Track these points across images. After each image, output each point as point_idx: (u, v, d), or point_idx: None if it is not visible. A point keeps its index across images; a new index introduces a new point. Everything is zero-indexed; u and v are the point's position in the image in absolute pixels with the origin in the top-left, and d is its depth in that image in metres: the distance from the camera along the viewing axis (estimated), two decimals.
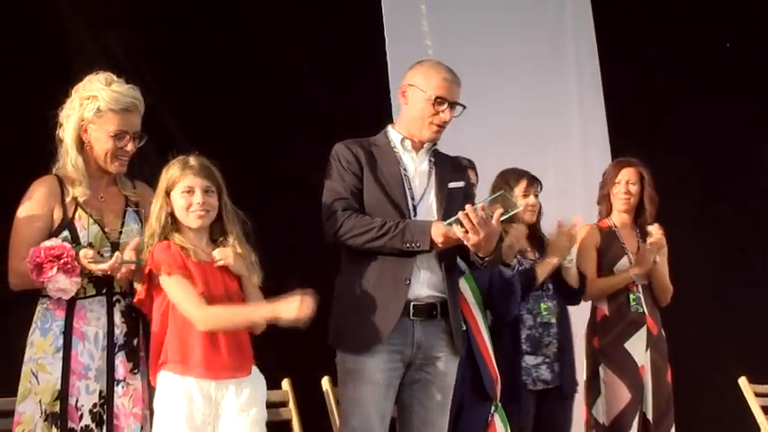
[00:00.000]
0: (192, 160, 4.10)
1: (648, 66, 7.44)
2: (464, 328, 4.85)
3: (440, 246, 4.25)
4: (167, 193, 4.07)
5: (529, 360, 5.36)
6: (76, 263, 3.85)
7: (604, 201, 6.03)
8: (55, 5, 5.74)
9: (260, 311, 3.97)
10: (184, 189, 4.05)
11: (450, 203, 4.37)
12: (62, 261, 3.82)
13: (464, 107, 4.43)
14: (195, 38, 6.12)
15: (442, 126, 4.45)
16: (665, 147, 7.03)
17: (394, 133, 4.52)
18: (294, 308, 3.86)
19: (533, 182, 5.52)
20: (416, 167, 4.48)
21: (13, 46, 5.51)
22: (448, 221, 4.23)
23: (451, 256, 4.40)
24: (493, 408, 4.96)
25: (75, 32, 5.82)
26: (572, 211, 5.67)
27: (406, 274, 4.30)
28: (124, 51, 5.89)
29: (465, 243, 4.21)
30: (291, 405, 5.19)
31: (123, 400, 3.97)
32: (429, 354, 4.36)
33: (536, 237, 5.56)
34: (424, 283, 4.35)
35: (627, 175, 5.96)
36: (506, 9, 7.22)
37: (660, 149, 6.66)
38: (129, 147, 4.07)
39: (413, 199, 4.41)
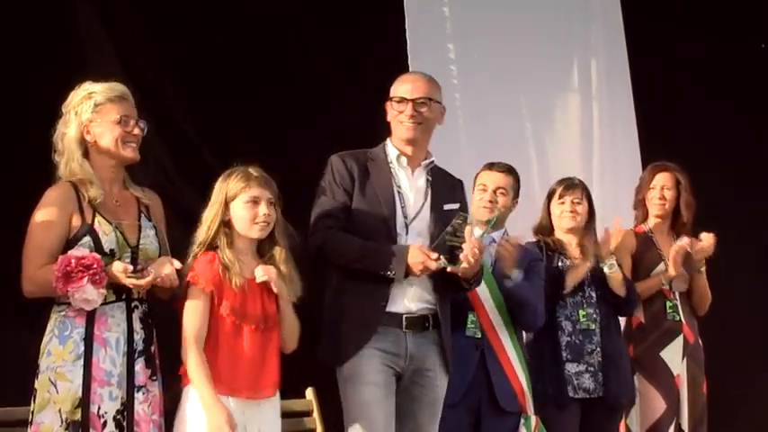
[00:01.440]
0: (256, 171, 4.14)
1: (679, 67, 7.36)
2: (478, 336, 4.93)
3: (417, 273, 4.26)
4: (227, 203, 4.06)
5: (570, 368, 5.27)
6: (104, 274, 3.84)
7: (640, 206, 5.96)
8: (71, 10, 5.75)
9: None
10: (249, 199, 4.08)
11: (444, 225, 4.35)
12: (91, 272, 3.82)
13: (438, 103, 4.46)
14: (217, 41, 6.14)
15: (412, 122, 4.43)
16: (695, 149, 6.89)
17: (391, 148, 4.53)
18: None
19: (570, 188, 5.45)
20: (412, 184, 4.47)
21: (23, 50, 5.53)
22: (441, 261, 4.23)
23: (440, 281, 4.40)
24: (522, 420, 4.93)
25: (90, 36, 5.84)
26: (599, 216, 5.58)
27: (383, 298, 4.32)
28: (138, 54, 5.92)
29: (449, 271, 4.25)
30: (316, 414, 5.18)
31: (144, 407, 3.96)
32: (421, 366, 4.38)
33: (582, 246, 5.44)
34: (415, 298, 4.37)
35: (662, 180, 5.88)
36: (531, 10, 7.15)
37: (690, 152, 6.50)
38: (136, 130, 4.08)
39: (406, 217, 4.40)
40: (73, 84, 4.16)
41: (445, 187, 4.53)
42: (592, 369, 5.29)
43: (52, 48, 5.57)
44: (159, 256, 4.05)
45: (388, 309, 4.30)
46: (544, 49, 7.07)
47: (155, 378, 4.03)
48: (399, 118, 4.45)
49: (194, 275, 3.98)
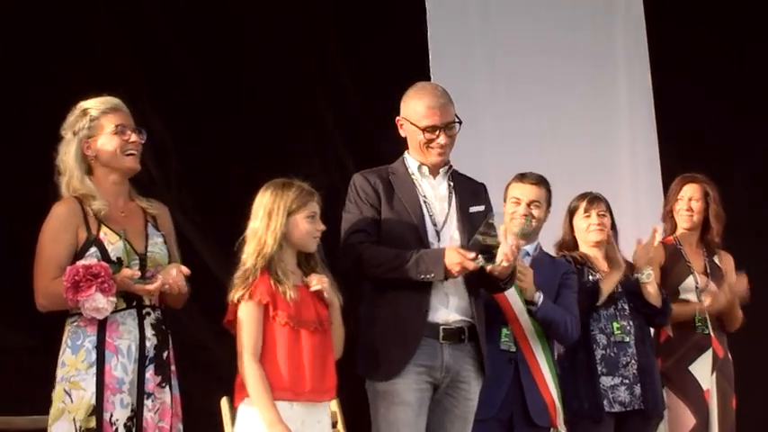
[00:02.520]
0: (306, 185, 4.15)
1: (703, 81, 7.30)
2: (513, 350, 4.89)
3: (455, 274, 4.26)
4: (289, 215, 4.09)
5: (605, 381, 5.22)
6: (113, 282, 3.84)
7: (668, 217, 5.90)
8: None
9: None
10: (310, 214, 4.11)
11: (473, 228, 4.37)
12: (99, 280, 3.81)
13: (460, 122, 4.45)
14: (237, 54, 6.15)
15: (443, 149, 4.45)
16: (714, 160, 6.80)
17: (411, 160, 4.52)
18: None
19: (594, 201, 5.42)
20: (436, 193, 4.48)
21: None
22: (478, 259, 4.22)
23: (476, 281, 4.41)
24: None
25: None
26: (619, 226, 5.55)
27: (425, 305, 4.31)
28: (153, 67, 5.94)
29: (485, 270, 4.26)
30: (340, 426, 5.12)
31: (151, 414, 3.96)
32: (456, 378, 4.38)
33: (610, 256, 5.39)
34: (453, 308, 4.36)
35: (690, 191, 5.82)
36: (555, 21, 7.15)
37: (710, 162, 6.43)
38: (134, 138, 4.09)
39: (435, 225, 4.41)
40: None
41: (468, 190, 4.53)
42: (627, 382, 5.23)
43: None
44: (168, 263, 4.06)
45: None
46: (566, 60, 7.07)
47: (164, 385, 4.02)
48: (431, 145, 4.43)
49: (252, 291, 3.99)
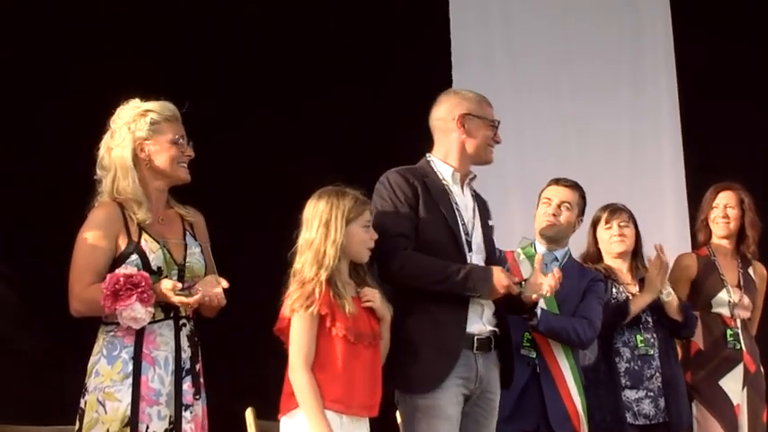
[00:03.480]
0: (359, 193, 4.07)
1: (730, 87, 7.23)
2: (533, 356, 4.90)
3: (498, 295, 4.26)
4: (346, 224, 4.01)
5: (629, 394, 5.22)
6: (152, 292, 3.81)
7: (703, 227, 5.84)
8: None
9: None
10: (365, 223, 4.04)
11: (490, 242, 4.46)
12: (140, 290, 3.79)
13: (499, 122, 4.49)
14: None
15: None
16: (742, 167, 6.71)
17: (441, 165, 4.43)
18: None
19: (615, 212, 5.42)
20: (462, 201, 4.45)
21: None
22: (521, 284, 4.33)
23: (502, 302, 4.43)
24: None
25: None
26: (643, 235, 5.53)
27: (463, 315, 4.27)
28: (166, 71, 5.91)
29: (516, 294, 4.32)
30: None
31: (191, 426, 3.94)
32: (486, 387, 4.35)
33: (633, 267, 5.42)
34: (486, 319, 4.35)
35: (725, 198, 5.75)
36: (578, 24, 7.14)
37: (736, 170, 6.34)
38: (189, 151, 4.07)
39: (467, 234, 4.38)
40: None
41: (482, 203, 4.54)
42: (651, 395, 5.22)
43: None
44: (205, 274, 4.01)
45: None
46: (590, 66, 7.06)
47: (198, 396, 3.99)
48: (492, 142, 4.45)
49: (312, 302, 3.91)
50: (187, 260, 3.99)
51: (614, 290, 5.31)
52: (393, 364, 4.22)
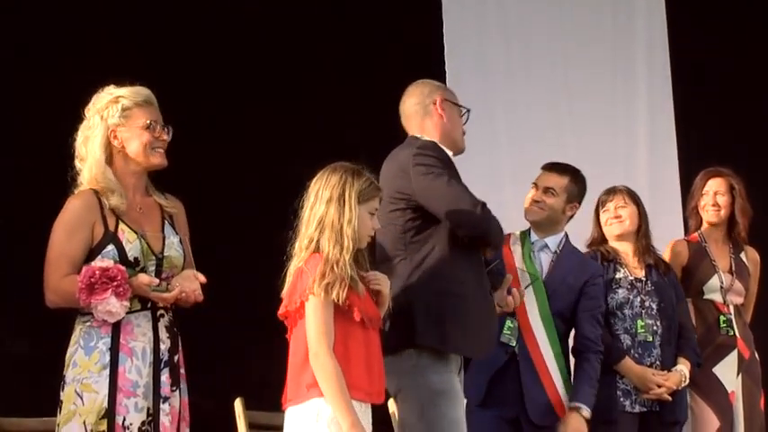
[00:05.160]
0: (374, 178, 3.93)
1: (724, 75, 7.23)
2: (512, 344, 4.85)
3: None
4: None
5: (626, 381, 5.18)
6: (128, 286, 3.78)
7: (693, 214, 5.78)
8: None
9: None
10: (372, 210, 3.87)
11: None
12: (115, 284, 3.75)
13: (468, 111, 4.48)
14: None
15: None
16: (737, 159, 6.67)
17: (446, 151, 4.38)
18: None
19: (610, 193, 5.39)
20: None
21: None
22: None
23: None
24: None
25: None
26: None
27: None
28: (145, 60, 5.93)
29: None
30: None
31: (168, 418, 3.90)
32: None
33: (639, 249, 5.34)
34: None
35: (715, 185, 5.69)
36: (572, 9, 7.11)
37: (732, 162, 6.30)
38: (164, 136, 4.01)
39: None
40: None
41: None
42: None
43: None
44: (182, 265, 3.97)
45: None
46: (583, 51, 7.03)
47: (174, 389, 3.94)
48: (463, 130, 4.45)
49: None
50: (165, 251, 3.95)
51: (618, 273, 5.24)
52: (441, 322, 4.12)
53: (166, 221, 4.02)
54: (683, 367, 5.21)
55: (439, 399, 4.10)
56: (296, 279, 3.80)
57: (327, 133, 6.17)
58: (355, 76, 6.35)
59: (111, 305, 3.75)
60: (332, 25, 6.46)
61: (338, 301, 3.71)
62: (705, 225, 5.73)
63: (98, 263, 3.78)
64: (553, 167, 5.09)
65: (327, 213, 3.78)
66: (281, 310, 3.83)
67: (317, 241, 3.78)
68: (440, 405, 4.09)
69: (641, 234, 5.35)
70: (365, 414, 3.81)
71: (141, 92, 4.00)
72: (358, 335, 3.80)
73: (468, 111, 4.42)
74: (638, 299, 5.23)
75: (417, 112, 4.38)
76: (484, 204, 4.16)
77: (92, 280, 3.73)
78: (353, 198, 3.79)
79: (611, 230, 5.35)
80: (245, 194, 6.08)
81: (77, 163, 3.97)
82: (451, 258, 4.16)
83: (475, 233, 4.16)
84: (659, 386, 5.13)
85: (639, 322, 5.20)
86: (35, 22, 5.82)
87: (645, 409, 5.16)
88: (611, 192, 5.39)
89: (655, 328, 5.22)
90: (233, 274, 5.56)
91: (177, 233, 4.02)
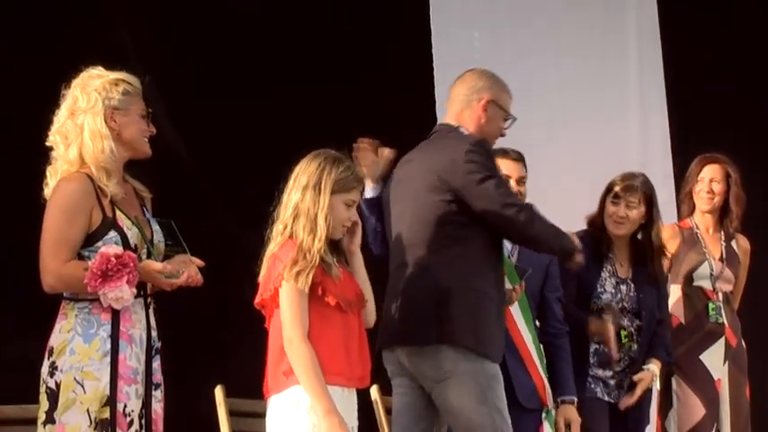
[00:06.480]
0: (358, 170, 3.94)
1: (717, 69, 7.20)
2: None
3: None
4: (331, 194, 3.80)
5: (598, 372, 5.19)
6: (137, 273, 3.74)
7: (686, 199, 5.75)
8: None
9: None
10: (349, 201, 3.83)
11: None
12: (128, 270, 3.72)
13: (515, 119, 4.51)
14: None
15: None
16: (729, 149, 6.67)
17: None
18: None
19: (629, 189, 5.22)
20: None
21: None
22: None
23: None
24: (544, 414, 4.87)
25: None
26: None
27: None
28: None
29: None
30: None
31: (160, 405, 3.92)
32: None
33: (632, 251, 5.30)
34: None
35: (711, 172, 5.65)
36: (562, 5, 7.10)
37: (722, 140, 6.33)
38: (152, 128, 3.99)
39: None
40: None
41: None
42: (617, 377, 5.19)
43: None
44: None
45: None
46: (574, 43, 7.02)
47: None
48: (502, 132, 4.49)
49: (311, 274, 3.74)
50: (154, 237, 3.93)
51: (604, 272, 5.21)
52: (471, 323, 4.17)
53: (144, 207, 3.99)
54: (655, 367, 5.20)
55: (491, 381, 4.21)
56: (270, 266, 3.79)
57: (327, 133, 6.12)
58: (355, 75, 6.36)
59: (124, 292, 3.72)
60: (332, 25, 6.46)
61: (305, 289, 3.70)
62: (698, 212, 5.69)
63: (108, 249, 3.73)
64: (516, 156, 4.99)
65: (303, 200, 3.77)
66: (258, 299, 3.83)
67: (292, 228, 3.78)
68: (494, 387, 4.21)
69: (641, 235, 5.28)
70: (348, 399, 3.79)
71: (136, 80, 3.97)
72: (335, 320, 3.79)
73: (515, 119, 4.45)
74: (619, 297, 5.22)
75: (461, 101, 4.41)
76: (529, 207, 4.24)
77: (108, 266, 3.69)
78: (329, 187, 3.78)
79: (611, 227, 5.23)
80: (246, 194, 6.01)
81: (55, 138, 3.87)
82: (485, 258, 4.23)
83: (520, 239, 4.33)
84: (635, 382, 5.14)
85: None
86: (35, 22, 5.81)
87: (613, 402, 5.16)
88: (630, 188, 5.21)
89: (632, 329, 5.20)
90: (233, 274, 5.54)
91: (156, 220, 4.00)
